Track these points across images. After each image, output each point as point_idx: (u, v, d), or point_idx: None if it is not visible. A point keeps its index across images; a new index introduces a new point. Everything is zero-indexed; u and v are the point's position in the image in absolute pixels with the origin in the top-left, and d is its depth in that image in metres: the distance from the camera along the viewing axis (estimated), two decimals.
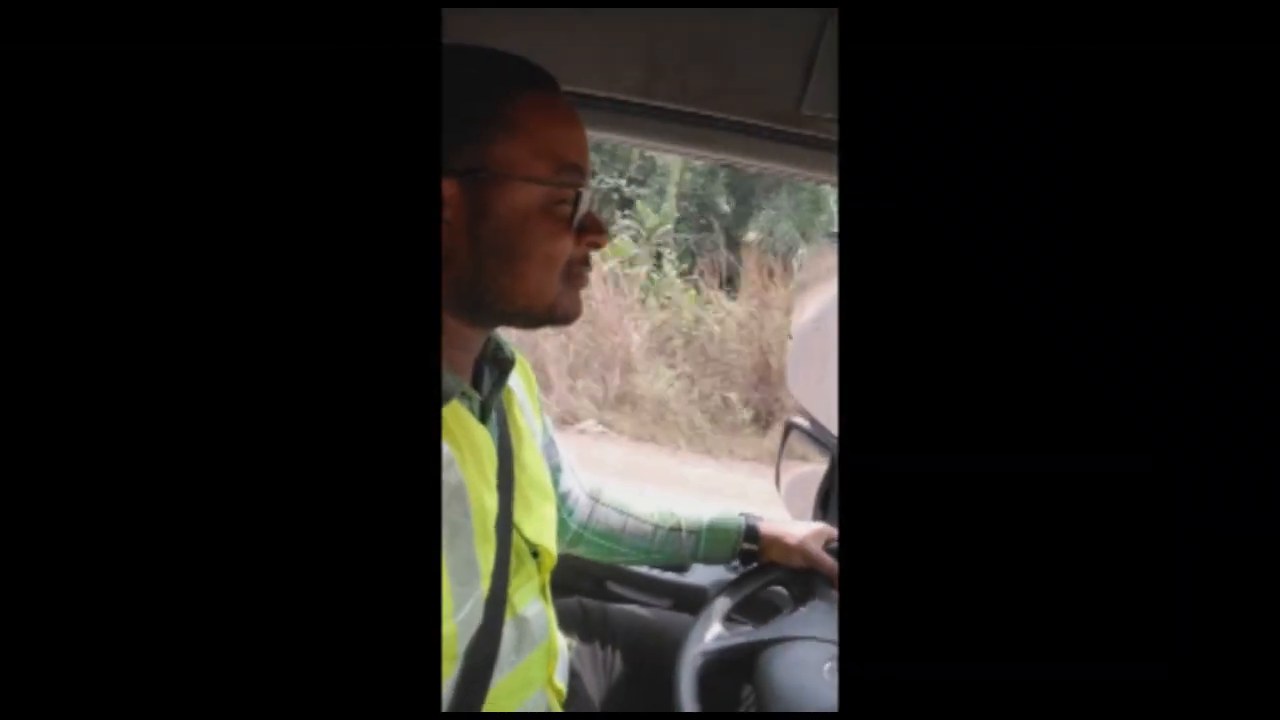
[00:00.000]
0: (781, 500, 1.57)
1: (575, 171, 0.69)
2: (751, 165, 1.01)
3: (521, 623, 0.77)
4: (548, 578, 0.86)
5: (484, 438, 0.74)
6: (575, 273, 0.72)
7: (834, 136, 0.89)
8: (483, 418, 0.76)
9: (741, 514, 1.09)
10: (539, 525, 0.83)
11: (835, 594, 1.00)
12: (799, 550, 1.04)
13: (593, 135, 0.96)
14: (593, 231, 0.72)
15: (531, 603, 0.80)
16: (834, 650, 0.89)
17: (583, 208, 0.70)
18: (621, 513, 1.07)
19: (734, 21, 0.80)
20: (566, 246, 0.69)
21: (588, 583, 1.26)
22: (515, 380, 0.88)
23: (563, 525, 1.01)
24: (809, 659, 0.87)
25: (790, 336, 1.76)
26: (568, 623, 1.06)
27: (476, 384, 0.78)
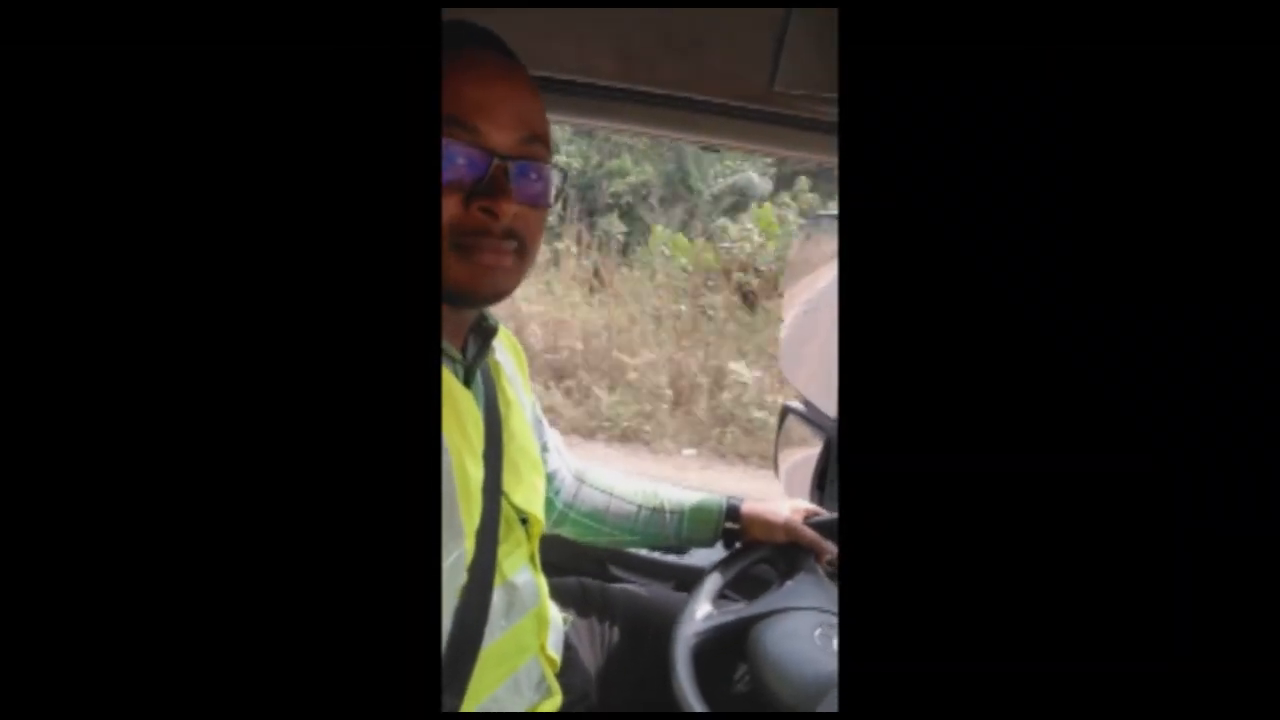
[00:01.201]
0: (780, 483, 1.57)
1: (452, 124, 0.63)
2: (730, 145, 1.02)
3: (511, 589, 0.78)
4: (537, 546, 0.87)
5: (466, 399, 0.74)
6: (466, 244, 0.65)
7: (807, 114, 0.89)
8: (466, 382, 0.76)
9: (725, 496, 1.10)
10: (528, 493, 0.84)
11: (820, 566, 1.01)
12: (781, 527, 1.05)
13: (575, 123, 0.96)
14: (485, 196, 0.64)
15: (521, 570, 0.81)
16: (823, 617, 0.90)
17: (480, 172, 0.64)
18: (606, 493, 1.08)
19: (701, 5, 0.80)
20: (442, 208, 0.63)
21: (590, 564, 1.27)
22: (505, 355, 0.89)
23: (549, 504, 1.02)
24: (799, 628, 0.89)
25: (783, 321, 1.76)
26: (566, 599, 1.07)
27: (463, 352, 0.78)
